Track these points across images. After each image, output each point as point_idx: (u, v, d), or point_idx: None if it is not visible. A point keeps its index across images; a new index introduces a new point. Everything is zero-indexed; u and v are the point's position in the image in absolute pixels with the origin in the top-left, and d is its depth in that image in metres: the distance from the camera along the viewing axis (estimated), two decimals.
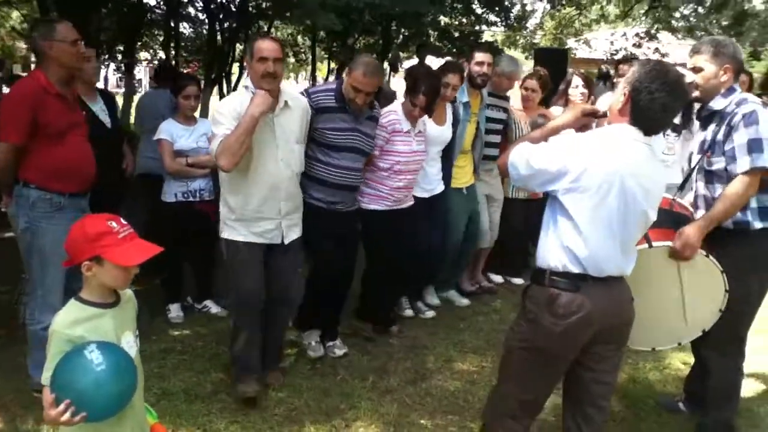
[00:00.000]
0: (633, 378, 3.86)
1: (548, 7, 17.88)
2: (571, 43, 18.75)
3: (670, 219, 2.87)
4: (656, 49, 16.81)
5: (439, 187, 4.58)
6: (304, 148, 3.56)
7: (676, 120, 5.16)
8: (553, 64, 7.81)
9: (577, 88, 5.15)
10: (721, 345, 2.97)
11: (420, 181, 4.35)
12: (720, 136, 2.88)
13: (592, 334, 2.34)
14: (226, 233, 3.44)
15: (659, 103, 2.24)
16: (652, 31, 17.35)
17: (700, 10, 17.40)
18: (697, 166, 3.03)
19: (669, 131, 5.28)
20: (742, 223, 2.88)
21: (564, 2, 16.91)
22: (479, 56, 4.68)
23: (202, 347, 4.13)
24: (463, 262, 5.07)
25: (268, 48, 3.24)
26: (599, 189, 2.23)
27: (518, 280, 5.52)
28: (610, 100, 2.45)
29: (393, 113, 4.10)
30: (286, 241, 3.48)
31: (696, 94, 2.93)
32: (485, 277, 5.51)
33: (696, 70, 2.93)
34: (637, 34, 17.23)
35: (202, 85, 9.23)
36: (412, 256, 4.34)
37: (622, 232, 2.29)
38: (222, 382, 3.67)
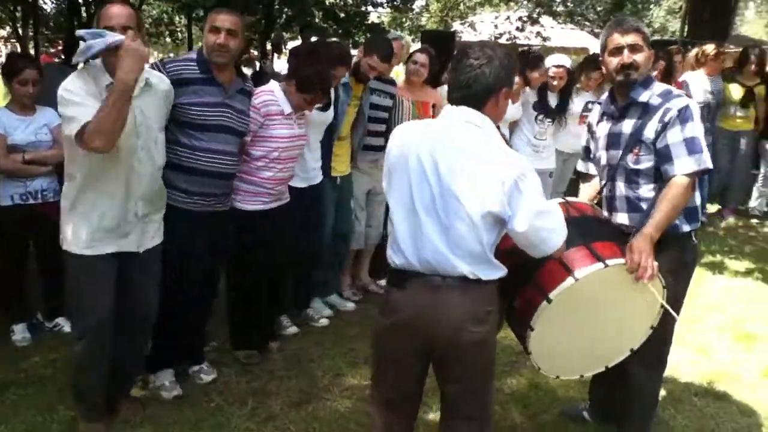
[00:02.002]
0: (534, 383, 3.62)
1: None
2: (456, 25, 18.75)
3: (609, 230, 2.63)
4: (538, 33, 17.11)
5: (318, 177, 4.12)
6: (164, 135, 3.02)
7: (553, 105, 5.11)
8: (441, 47, 7.57)
9: None
10: (646, 359, 2.75)
11: (298, 169, 3.87)
12: (649, 133, 2.60)
13: (421, 347, 2.20)
14: (67, 245, 2.87)
15: None
16: (534, 15, 17.60)
17: None
18: (616, 164, 2.74)
19: (541, 116, 5.16)
20: (672, 227, 2.63)
21: None
22: (376, 62, 4.17)
23: (52, 376, 3.54)
24: (338, 262, 4.63)
25: (116, 14, 2.69)
26: (390, 168, 2.24)
27: None
28: None
29: (267, 93, 3.57)
30: (142, 249, 2.94)
31: (634, 77, 2.62)
32: (373, 281, 5.00)
33: (635, 49, 2.61)
34: (520, 18, 17.43)
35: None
36: (298, 258, 3.92)
37: (433, 217, 2.12)
38: (73, 420, 3.11)
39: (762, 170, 7.39)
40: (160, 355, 3.41)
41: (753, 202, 7.52)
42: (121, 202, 2.83)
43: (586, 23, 23.83)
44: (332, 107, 4.10)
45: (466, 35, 17.20)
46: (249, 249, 3.63)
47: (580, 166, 3.13)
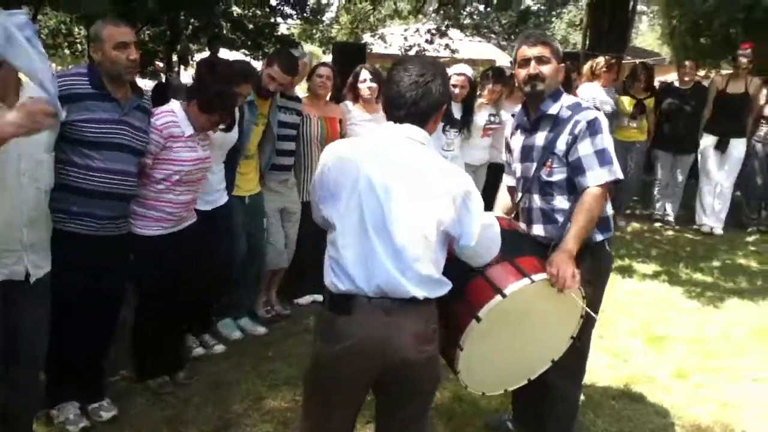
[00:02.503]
0: (458, 396, 3.59)
1: (344, 0, 17.80)
2: (367, 37, 18.86)
3: (527, 244, 2.64)
4: (447, 45, 17.44)
5: (223, 198, 3.95)
6: (53, 157, 2.79)
7: (457, 115, 5.14)
8: (351, 59, 7.61)
9: (365, 82, 4.88)
10: (565, 368, 2.75)
11: (201, 192, 3.68)
12: (560, 146, 2.65)
13: (374, 372, 2.10)
14: None
15: None
16: (443, 28, 17.93)
17: (483, 8, 18.40)
18: (531, 177, 2.76)
19: (449, 127, 5.19)
20: (587, 237, 2.66)
21: None
22: (276, 72, 4.07)
23: None
24: (249, 282, 4.45)
25: None
26: (331, 191, 2.13)
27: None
28: None
29: (168, 114, 3.39)
30: (32, 279, 2.66)
31: (540, 88, 2.66)
32: (277, 301, 4.83)
33: (542, 61, 2.65)
34: (428, 31, 17.71)
35: None
36: (200, 283, 3.73)
37: (385, 239, 2.02)
38: None
39: (658, 178, 7.75)
40: (58, 388, 3.17)
41: (655, 208, 7.86)
42: (4, 230, 2.56)
43: (492, 36, 24.53)
44: (237, 127, 3.92)
45: (377, 47, 17.34)
46: (150, 275, 3.42)
47: (506, 180, 3.13)
